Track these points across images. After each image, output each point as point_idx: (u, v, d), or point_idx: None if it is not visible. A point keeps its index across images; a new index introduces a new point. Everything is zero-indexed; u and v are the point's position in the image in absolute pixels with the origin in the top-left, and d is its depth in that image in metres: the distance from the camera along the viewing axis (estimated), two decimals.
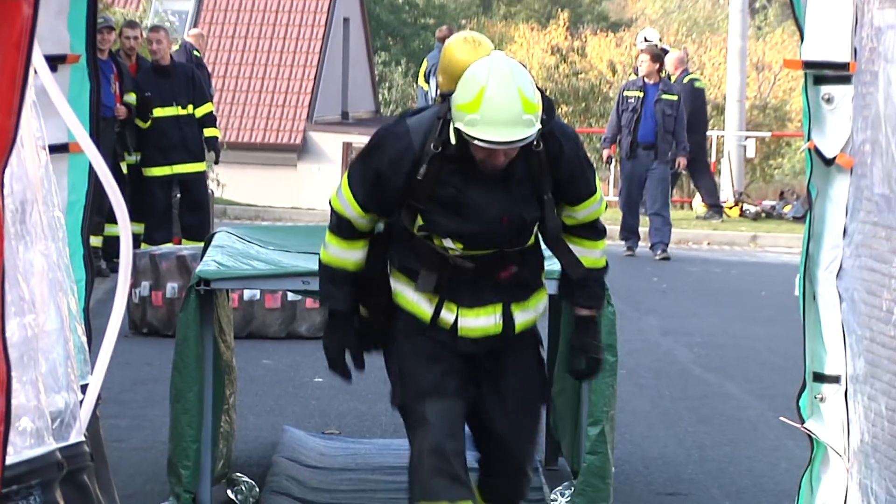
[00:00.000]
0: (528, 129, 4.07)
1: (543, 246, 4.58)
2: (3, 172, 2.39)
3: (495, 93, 4.01)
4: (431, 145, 4.13)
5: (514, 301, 4.30)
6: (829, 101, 3.66)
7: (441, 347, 4.31)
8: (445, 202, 4.25)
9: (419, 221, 4.33)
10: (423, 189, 4.23)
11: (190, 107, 10.67)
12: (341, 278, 4.34)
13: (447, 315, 4.25)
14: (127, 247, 3.03)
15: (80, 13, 3.40)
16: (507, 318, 4.29)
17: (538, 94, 4.34)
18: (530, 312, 4.41)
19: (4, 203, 2.46)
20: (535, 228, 4.48)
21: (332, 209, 4.59)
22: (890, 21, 3.20)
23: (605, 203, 4.74)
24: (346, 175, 4.51)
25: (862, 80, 3.46)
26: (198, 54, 12.68)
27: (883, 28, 3.31)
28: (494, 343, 4.37)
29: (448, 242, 4.34)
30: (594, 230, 4.49)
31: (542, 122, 4.22)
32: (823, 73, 3.62)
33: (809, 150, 3.71)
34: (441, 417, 4.20)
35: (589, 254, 4.34)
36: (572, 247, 4.43)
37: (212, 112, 11.22)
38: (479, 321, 4.29)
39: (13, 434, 2.71)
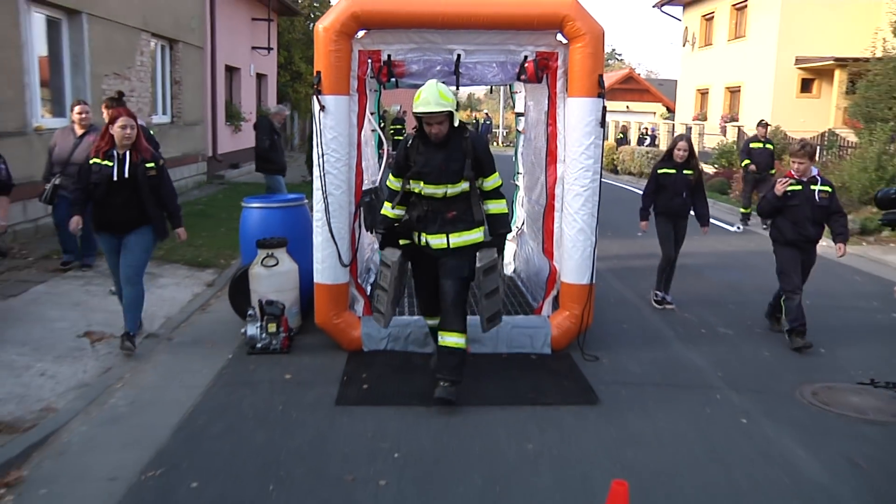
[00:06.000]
0: (440, 108, 4.99)
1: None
2: (361, 132, 5.48)
3: (425, 90, 5.05)
4: (413, 131, 5.24)
5: (453, 232, 5.22)
6: (524, 119, 6.47)
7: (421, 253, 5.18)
8: (417, 161, 5.20)
9: (411, 174, 5.12)
10: (410, 154, 5.17)
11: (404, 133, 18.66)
12: (384, 221, 5.47)
13: (421, 238, 5.26)
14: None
15: (375, 103, 5.65)
16: (447, 240, 5.22)
17: (453, 98, 5.03)
18: (461, 238, 5.26)
19: (362, 140, 5.51)
20: (468, 189, 5.20)
21: (387, 188, 5.39)
22: (529, 103, 6.47)
23: (501, 180, 5.29)
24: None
25: (528, 114, 6.56)
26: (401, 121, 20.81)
27: (529, 104, 6.54)
28: (443, 253, 5.22)
29: (419, 185, 5.12)
30: (498, 194, 5.25)
31: (465, 134, 5.13)
32: (520, 114, 6.98)
33: (517, 131, 7.08)
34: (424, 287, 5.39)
35: (498, 206, 5.27)
36: (491, 204, 5.27)
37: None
38: (435, 241, 5.22)
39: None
